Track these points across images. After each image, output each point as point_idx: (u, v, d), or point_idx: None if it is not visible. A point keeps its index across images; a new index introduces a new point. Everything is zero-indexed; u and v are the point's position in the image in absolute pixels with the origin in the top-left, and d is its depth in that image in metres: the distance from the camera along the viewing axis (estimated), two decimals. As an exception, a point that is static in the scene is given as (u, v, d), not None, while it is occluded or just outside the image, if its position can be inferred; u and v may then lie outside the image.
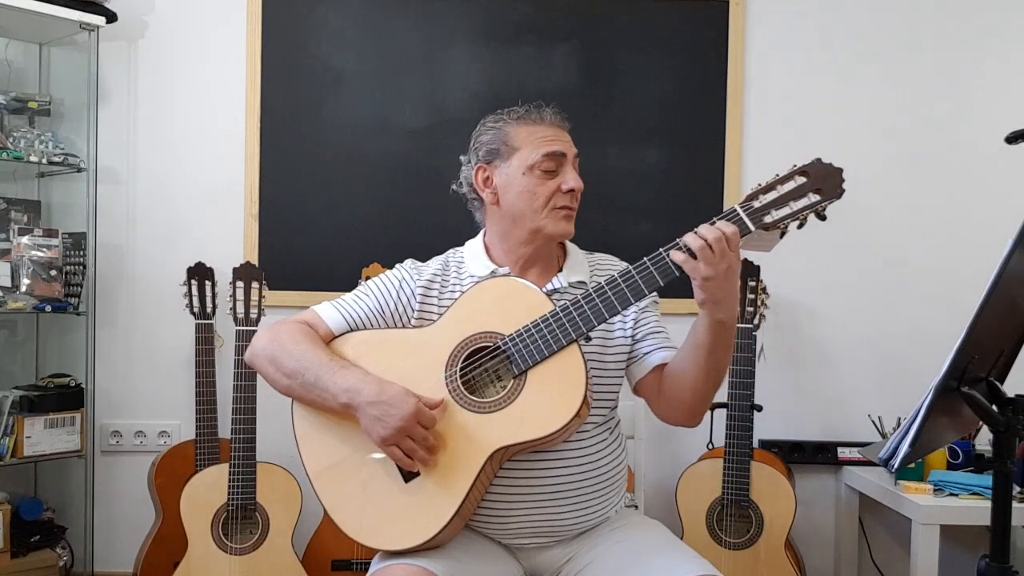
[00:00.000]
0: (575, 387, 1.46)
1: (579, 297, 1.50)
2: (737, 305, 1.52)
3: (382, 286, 1.68)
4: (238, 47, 2.89)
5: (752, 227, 1.45)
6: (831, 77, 2.99)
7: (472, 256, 1.71)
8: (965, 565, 2.86)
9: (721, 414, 2.67)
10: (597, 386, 1.57)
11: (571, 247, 1.74)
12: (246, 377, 2.54)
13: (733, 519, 2.62)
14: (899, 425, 2.16)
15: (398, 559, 1.48)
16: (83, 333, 2.74)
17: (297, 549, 2.57)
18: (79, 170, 2.75)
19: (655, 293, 1.58)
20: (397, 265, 1.73)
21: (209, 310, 2.69)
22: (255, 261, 2.82)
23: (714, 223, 1.45)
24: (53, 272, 2.67)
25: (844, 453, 2.94)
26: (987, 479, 2.48)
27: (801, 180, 1.45)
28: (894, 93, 3.00)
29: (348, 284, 1.96)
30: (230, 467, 2.52)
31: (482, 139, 1.67)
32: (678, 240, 1.46)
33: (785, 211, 1.45)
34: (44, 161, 2.69)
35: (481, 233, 1.74)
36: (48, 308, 2.64)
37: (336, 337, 1.63)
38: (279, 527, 2.53)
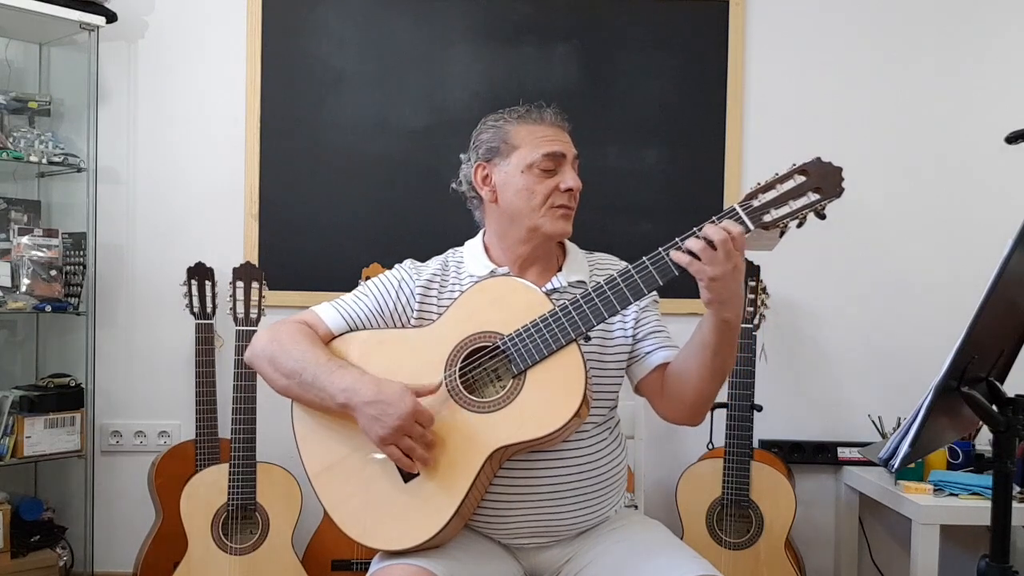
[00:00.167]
0: (575, 386, 1.46)
1: (578, 297, 1.50)
2: (742, 304, 1.52)
3: (381, 286, 1.68)
4: (238, 47, 2.89)
5: (751, 226, 1.45)
6: (831, 77, 2.99)
7: (471, 256, 1.71)
8: (965, 565, 2.86)
9: (721, 414, 2.67)
10: (597, 386, 1.56)
11: (571, 247, 1.74)
12: (246, 377, 2.54)
13: (733, 519, 2.62)
14: (899, 425, 2.16)
15: (398, 559, 1.48)
16: (83, 333, 2.74)
17: (297, 549, 2.57)
18: (79, 170, 2.75)
19: (655, 293, 1.58)
20: (396, 265, 1.73)
21: (209, 310, 2.69)
22: (255, 261, 2.82)
23: (714, 222, 1.44)
24: (53, 272, 2.67)
25: (844, 453, 2.94)
26: (987, 479, 2.48)
27: (801, 179, 1.45)
28: (894, 93, 3.00)
29: (348, 284, 1.96)
30: (230, 467, 2.52)
31: (482, 137, 1.68)
32: (678, 240, 1.46)
33: (784, 210, 1.45)
34: (44, 161, 2.69)
35: (481, 233, 1.74)
36: (48, 308, 2.64)
37: (336, 337, 1.63)
38: (279, 527, 2.53)
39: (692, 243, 1.43)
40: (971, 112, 3.00)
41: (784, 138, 2.96)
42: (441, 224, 2.73)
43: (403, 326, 1.66)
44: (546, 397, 1.47)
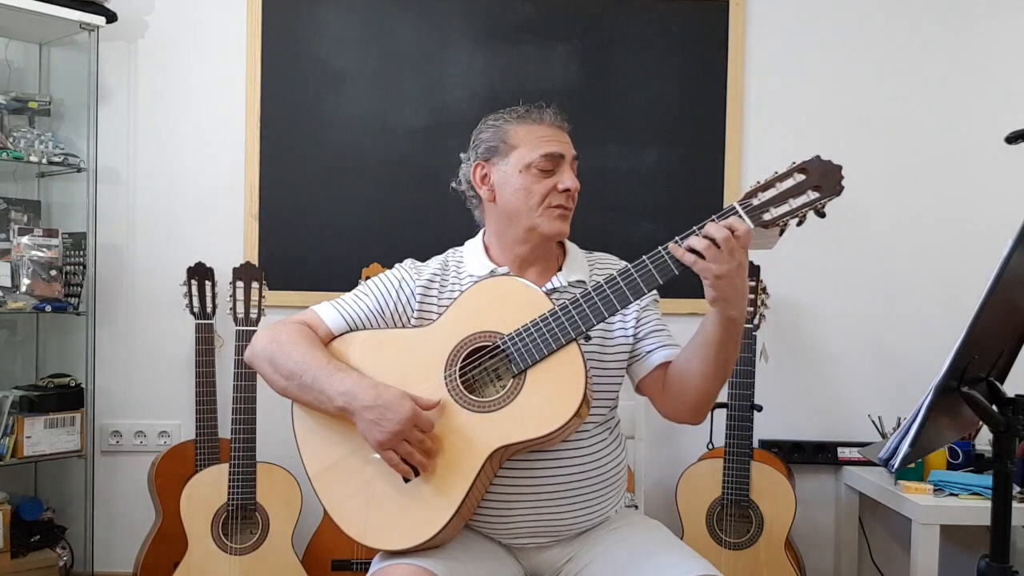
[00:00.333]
0: (575, 386, 1.46)
1: (578, 296, 1.50)
2: (746, 301, 1.52)
3: (381, 286, 1.68)
4: (238, 47, 2.89)
5: (751, 224, 1.45)
6: (831, 77, 2.99)
7: (471, 256, 1.71)
8: (965, 565, 2.86)
9: (721, 414, 2.66)
10: (597, 385, 1.56)
11: (570, 246, 1.74)
12: (246, 377, 2.54)
13: (733, 519, 2.62)
14: (899, 425, 2.16)
15: (398, 559, 1.48)
16: (83, 333, 2.74)
17: (297, 549, 2.57)
18: (79, 170, 2.75)
19: (655, 292, 1.58)
20: (396, 265, 1.73)
21: (209, 310, 2.69)
22: (255, 261, 2.82)
23: (715, 221, 1.44)
24: (53, 272, 2.67)
25: (844, 453, 2.94)
26: (987, 479, 2.48)
27: (800, 177, 1.45)
28: (894, 92, 2.99)
29: (348, 284, 1.95)
30: (230, 467, 2.52)
31: (482, 136, 1.68)
32: (677, 239, 1.46)
33: (784, 208, 1.44)
34: (44, 161, 2.69)
35: (480, 233, 1.74)
36: (48, 308, 2.64)
37: (336, 337, 1.63)
38: (279, 527, 2.53)
39: (696, 241, 1.43)
40: (971, 112, 3.00)
41: (784, 138, 2.96)
42: (441, 224, 2.74)
43: (403, 326, 1.66)
44: (546, 396, 1.47)
